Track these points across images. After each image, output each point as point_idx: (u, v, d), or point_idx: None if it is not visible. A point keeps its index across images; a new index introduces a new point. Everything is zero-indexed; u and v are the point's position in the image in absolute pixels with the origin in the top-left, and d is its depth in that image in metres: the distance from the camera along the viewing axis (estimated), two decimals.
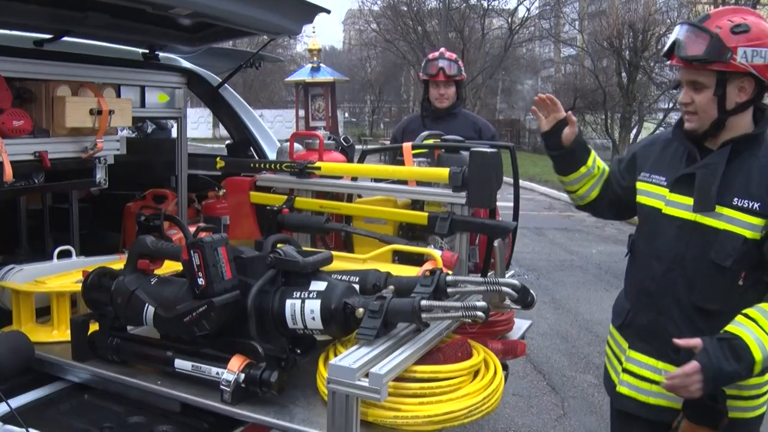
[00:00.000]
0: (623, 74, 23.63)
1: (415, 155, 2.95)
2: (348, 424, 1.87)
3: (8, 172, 2.60)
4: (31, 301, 2.69)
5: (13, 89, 2.80)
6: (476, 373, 2.13)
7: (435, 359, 2.11)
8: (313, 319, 2.07)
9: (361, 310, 2.03)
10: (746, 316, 2.17)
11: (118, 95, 3.35)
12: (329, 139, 3.27)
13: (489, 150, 2.53)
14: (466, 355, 2.17)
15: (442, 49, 4.75)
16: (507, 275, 2.39)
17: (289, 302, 2.10)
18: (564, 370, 5.68)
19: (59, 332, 2.65)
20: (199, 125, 32.39)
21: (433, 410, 1.94)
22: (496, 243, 2.40)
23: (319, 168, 2.95)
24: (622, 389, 2.53)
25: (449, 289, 2.16)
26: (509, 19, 30.37)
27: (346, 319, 2.06)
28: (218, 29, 3.47)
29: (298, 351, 2.23)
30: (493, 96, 38.33)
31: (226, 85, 3.96)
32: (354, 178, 3.03)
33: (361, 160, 3.24)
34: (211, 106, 4.02)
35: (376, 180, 3.01)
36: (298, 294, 2.10)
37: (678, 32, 2.24)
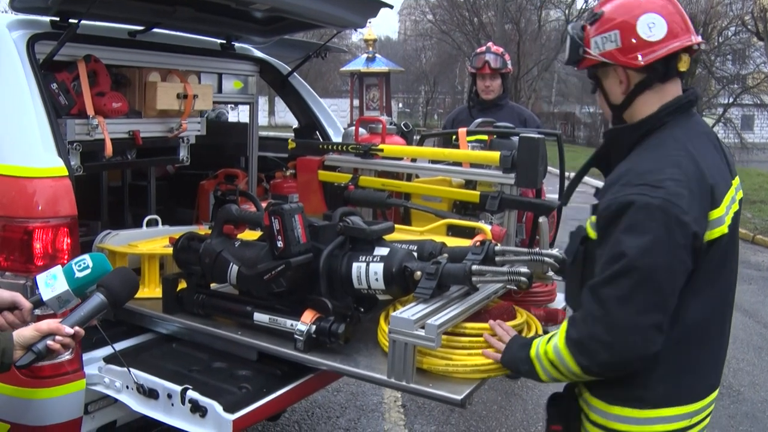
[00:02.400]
0: None
1: (469, 141, 3.21)
2: (406, 370, 2.16)
3: (109, 147, 2.97)
4: (126, 262, 3.04)
5: (112, 75, 3.16)
6: (519, 333, 2.39)
7: (483, 319, 2.37)
8: (377, 280, 2.36)
9: (419, 272, 2.31)
10: None
11: (200, 82, 3.70)
12: (391, 124, 3.56)
13: (536, 136, 2.78)
14: (510, 317, 2.42)
15: (489, 43, 5.03)
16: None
17: (355, 265, 2.40)
18: None
19: (149, 290, 3.00)
20: None
21: (480, 360, 2.21)
22: (541, 220, 2.64)
23: (381, 150, 3.24)
24: None
25: (497, 258, 2.42)
26: (566, 11, 30.06)
27: (406, 280, 2.34)
28: (290, 22, 3.75)
29: (362, 309, 2.53)
30: (549, 88, 38.03)
31: (294, 73, 4.26)
32: (413, 160, 3.31)
33: (420, 144, 3.52)
34: (281, 92, 4.32)
35: (433, 161, 3.28)
36: (364, 258, 2.39)
37: None
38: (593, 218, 1.95)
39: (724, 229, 1.86)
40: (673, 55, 1.88)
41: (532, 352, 2.02)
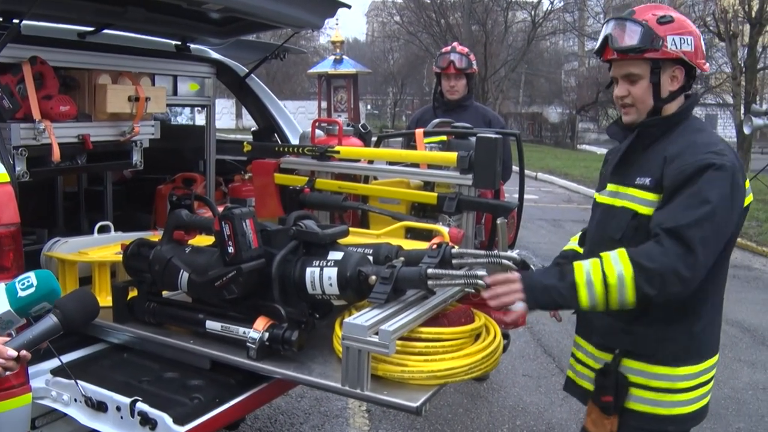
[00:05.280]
0: None
1: (427, 141, 3.18)
2: (360, 377, 2.11)
3: (56, 152, 2.87)
4: (75, 270, 2.95)
5: (60, 77, 3.07)
6: (477, 337, 2.35)
7: (440, 323, 2.33)
8: (331, 285, 2.30)
9: (373, 277, 2.26)
10: (598, 256, 2.17)
11: (153, 84, 3.62)
12: (348, 125, 3.51)
13: (494, 136, 2.75)
14: (469, 321, 2.38)
15: (455, 44, 4.99)
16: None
17: (309, 270, 2.34)
18: None
19: (100, 299, 2.88)
20: (223, 116, 32.59)
21: (437, 366, 2.17)
22: (499, 221, 2.61)
23: (338, 152, 3.19)
24: (568, 372, 2.60)
25: (454, 261, 2.38)
26: (532, 12, 30.28)
27: (360, 285, 2.29)
28: (246, 23, 3.70)
29: (317, 315, 2.47)
30: (516, 89, 38.30)
31: (252, 75, 4.20)
32: (370, 162, 3.27)
33: (377, 145, 3.48)
34: (238, 94, 4.26)
35: (391, 163, 3.24)
36: (318, 263, 2.34)
37: (608, 28, 2.26)
38: (649, 195, 2.19)
39: (750, 197, 2.23)
40: None
41: (579, 278, 2.13)
